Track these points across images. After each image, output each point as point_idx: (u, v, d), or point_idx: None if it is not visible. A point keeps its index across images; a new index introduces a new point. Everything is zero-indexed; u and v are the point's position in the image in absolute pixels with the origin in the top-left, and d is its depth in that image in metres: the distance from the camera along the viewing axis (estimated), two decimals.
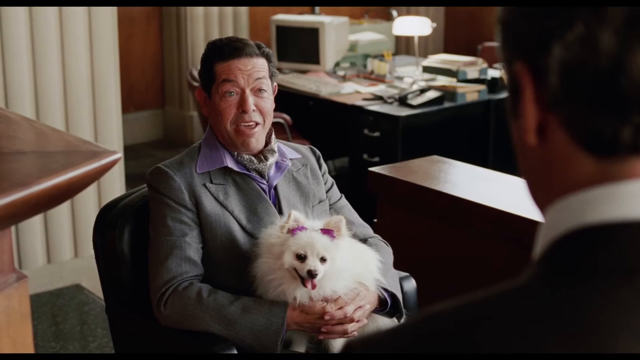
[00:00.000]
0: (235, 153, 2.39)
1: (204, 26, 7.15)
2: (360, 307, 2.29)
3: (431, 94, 5.20)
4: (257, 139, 2.38)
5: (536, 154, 0.81)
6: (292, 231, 2.22)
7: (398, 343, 0.76)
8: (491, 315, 0.74)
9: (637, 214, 0.74)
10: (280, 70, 5.53)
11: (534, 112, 0.79)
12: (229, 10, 7.22)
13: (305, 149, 2.58)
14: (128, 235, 2.44)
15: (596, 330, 0.70)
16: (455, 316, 0.75)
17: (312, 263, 2.19)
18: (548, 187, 0.80)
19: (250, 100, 2.34)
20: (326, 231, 2.23)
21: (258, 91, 2.36)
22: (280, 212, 2.39)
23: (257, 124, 2.35)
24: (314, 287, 2.21)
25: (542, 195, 0.82)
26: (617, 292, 0.72)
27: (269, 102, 2.39)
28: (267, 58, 2.40)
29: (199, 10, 7.10)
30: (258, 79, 2.35)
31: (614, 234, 0.73)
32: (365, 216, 2.67)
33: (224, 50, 2.36)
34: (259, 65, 2.37)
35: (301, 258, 2.21)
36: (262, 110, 2.36)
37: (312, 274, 2.19)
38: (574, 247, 0.75)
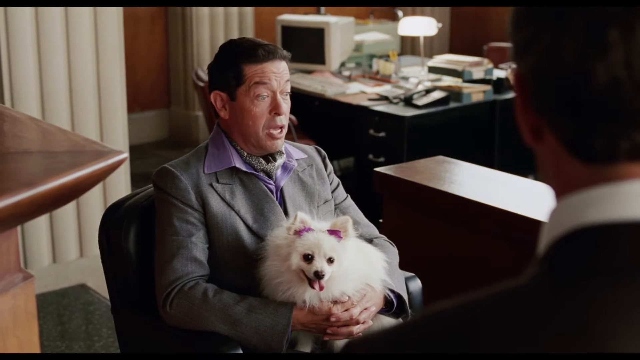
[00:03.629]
0: (245, 153, 2.39)
1: (209, 26, 7.15)
2: (366, 308, 2.29)
3: (437, 94, 5.20)
4: (283, 141, 2.41)
5: (537, 153, 0.83)
6: (298, 232, 2.22)
7: (398, 343, 0.76)
8: (491, 315, 0.74)
9: (637, 214, 0.74)
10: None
11: (526, 115, 0.80)
12: (234, 10, 7.22)
13: (310, 149, 2.58)
14: (133, 235, 2.44)
15: (596, 330, 0.71)
16: (455, 316, 0.76)
17: (319, 264, 2.19)
18: (552, 184, 0.81)
19: (283, 103, 2.35)
20: (333, 232, 2.23)
21: (284, 94, 2.38)
22: (286, 212, 2.39)
23: (283, 126, 2.37)
24: (321, 288, 2.21)
25: (551, 189, 0.83)
26: (617, 292, 0.72)
27: (289, 103, 2.41)
28: (287, 62, 2.42)
29: (205, 10, 7.11)
30: (287, 82, 2.38)
31: (614, 234, 0.74)
32: (371, 216, 2.67)
33: (257, 53, 2.33)
34: (286, 68, 2.39)
35: (308, 259, 2.20)
36: (286, 113, 2.38)
37: (319, 275, 2.19)
38: (575, 246, 0.75)
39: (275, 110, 2.34)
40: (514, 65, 0.82)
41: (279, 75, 2.35)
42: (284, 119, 2.37)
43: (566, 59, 0.75)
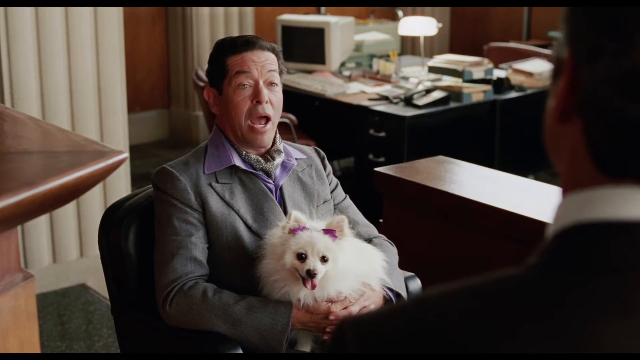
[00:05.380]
0: (244, 152, 2.40)
1: (209, 26, 7.16)
2: (365, 307, 2.30)
3: (437, 94, 5.20)
4: (269, 136, 2.40)
5: (554, 132, 0.82)
6: (293, 231, 2.22)
7: (389, 329, 0.77)
8: (485, 305, 0.75)
9: (631, 214, 0.75)
10: (286, 70, 5.53)
11: (563, 100, 0.79)
12: (234, 10, 7.23)
13: (309, 150, 2.58)
14: (133, 235, 2.44)
15: (582, 326, 0.72)
16: (448, 304, 0.77)
17: (312, 263, 2.19)
18: (562, 173, 0.82)
19: (265, 91, 2.36)
20: (328, 231, 2.23)
21: (270, 84, 2.39)
22: (286, 212, 2.39)
23: (269, 118, 2.37)
24: (313, 287, 2.20)
25: (559, 170, 0.83)
26: (606, 288, 0.73)
27: (279, 96, 2.42)
28: (277, 55, 2.44)
29: (205, 10, 7.11)
30: (270, 71, 2.39)
31: (611, 231, 0.75)
32: (371, 216, 2.67)
33: (236, 44, 2.39)
34: (271, 59, 2.41)
35: (301, 258, 2.21)
36: (273, 103, 2.38)
37: (311, 274, 2.19)
38: (570, 241, 0.77)
39: (256, 97, 2.35)
40: (565, 49, 0.79)
41: (260, 64, 2.37)
42: (268, 108, 2.37)
43: None
